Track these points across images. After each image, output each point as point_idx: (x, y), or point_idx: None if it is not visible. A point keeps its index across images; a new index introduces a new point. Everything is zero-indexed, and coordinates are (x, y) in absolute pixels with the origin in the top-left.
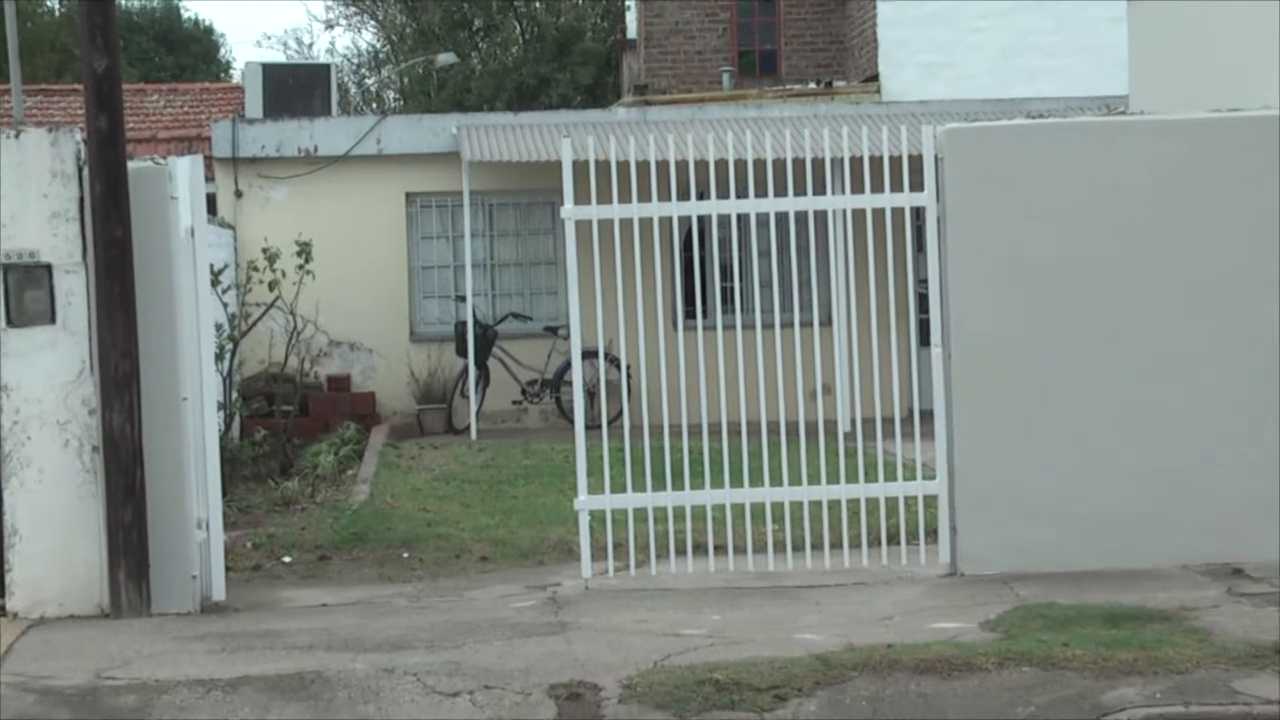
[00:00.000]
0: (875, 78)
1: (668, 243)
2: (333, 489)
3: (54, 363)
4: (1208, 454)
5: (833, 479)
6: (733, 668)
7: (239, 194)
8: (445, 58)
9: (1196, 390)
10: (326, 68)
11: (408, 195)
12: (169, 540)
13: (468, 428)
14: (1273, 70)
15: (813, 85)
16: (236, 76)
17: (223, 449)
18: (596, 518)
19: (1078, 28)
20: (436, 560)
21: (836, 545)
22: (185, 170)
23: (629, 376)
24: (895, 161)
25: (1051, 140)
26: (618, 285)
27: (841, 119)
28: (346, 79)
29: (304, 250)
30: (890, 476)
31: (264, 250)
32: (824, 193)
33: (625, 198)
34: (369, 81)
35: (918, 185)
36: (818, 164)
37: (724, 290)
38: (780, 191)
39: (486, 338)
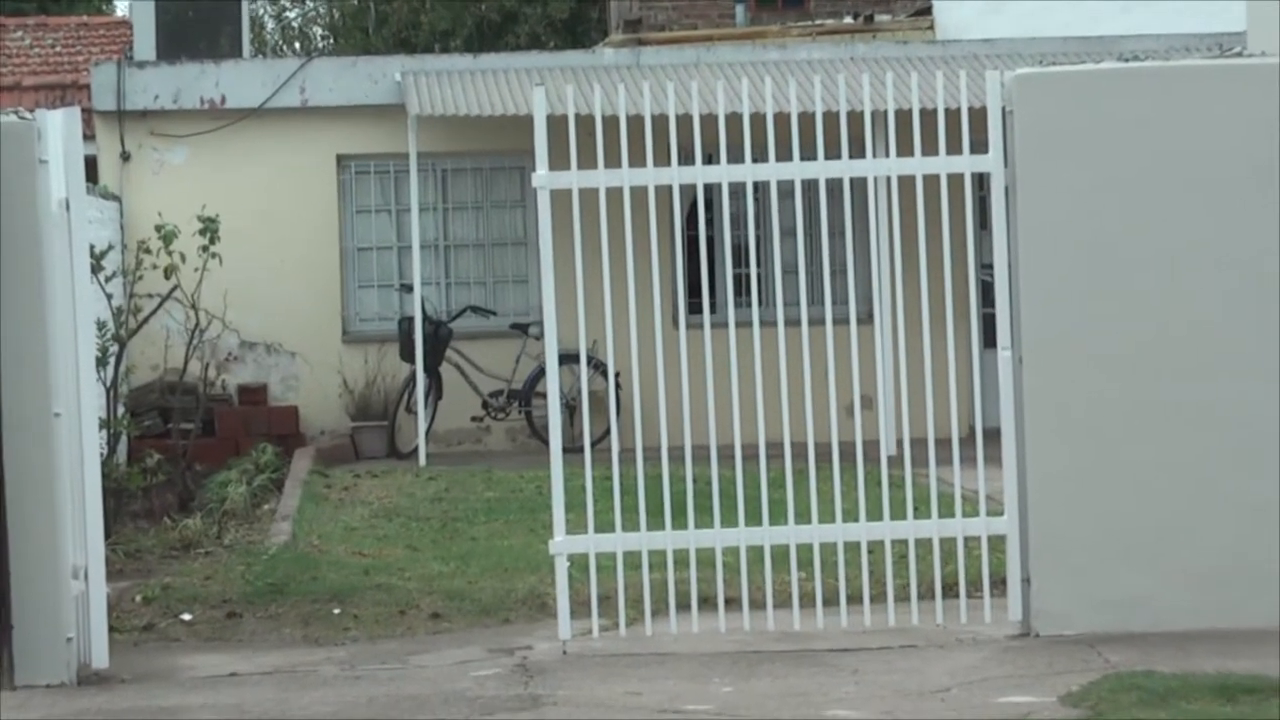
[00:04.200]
0: (928, 10)
1: (667, 218)
2: (245, 528)
3: None
4: None
5: (874, 515)
6: None
7: (126, 156)
8: None
9: None
10: None
11: (339, 159)
12: (37, 593)
13: (415, 450)
14: None
15: (849, 20)
16: (122, 9)
17: (106, 477)
18: (577, 563)
19: None
20: (376, 617)
21: (879, 598)
22: (58, 127)
23: (618, 386)
24: (953, 116)
25: (1150, 89)
26: (604, 271)
27: (885, 62)
28: (262, 11)
29: (208, 228)
30: (946, 512)
31: (158, 228)
32: (863, 155)
33: (613, 161)
34: (290, 15)
35: (981, 146)
36: (855, 119)
37: (737, 278)
38: (808, 154)
39: (439, 338)
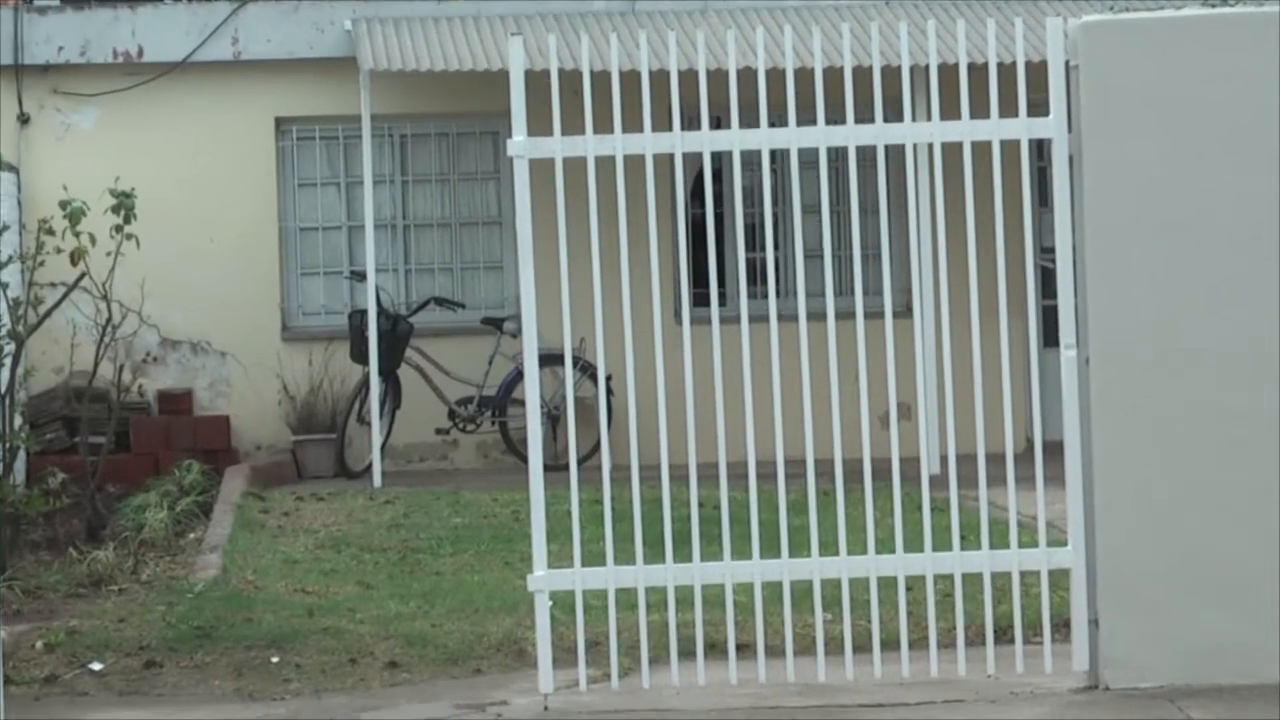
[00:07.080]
0: None
1: (667, 193)
2: (166, 561)
3: None
4: None
5: (914, 545)
6: None
7: (25, 119)
8: None
9: None
10: None
11: (279, 122)
12: None
13: (368, 468)
14: None
15: None
16: None
17: (1, 501)
18: (561, 603)
19: None
20: (322, 667)
21: (919, 644)
22: None
23: (610, 392)
24: (1007, 72)
25: (1241, 39)
26: (593, 256)
27: (927, 8)
28: None
29: (123, 204)
30: (999, 542)
31: (63, 204)
32: (900, 119)
33: (604, 126)
34: None
35: (1040, 107)
36: (891, 75)
37: (751, 264)
38: (835, 117)
39: (397, 334)
